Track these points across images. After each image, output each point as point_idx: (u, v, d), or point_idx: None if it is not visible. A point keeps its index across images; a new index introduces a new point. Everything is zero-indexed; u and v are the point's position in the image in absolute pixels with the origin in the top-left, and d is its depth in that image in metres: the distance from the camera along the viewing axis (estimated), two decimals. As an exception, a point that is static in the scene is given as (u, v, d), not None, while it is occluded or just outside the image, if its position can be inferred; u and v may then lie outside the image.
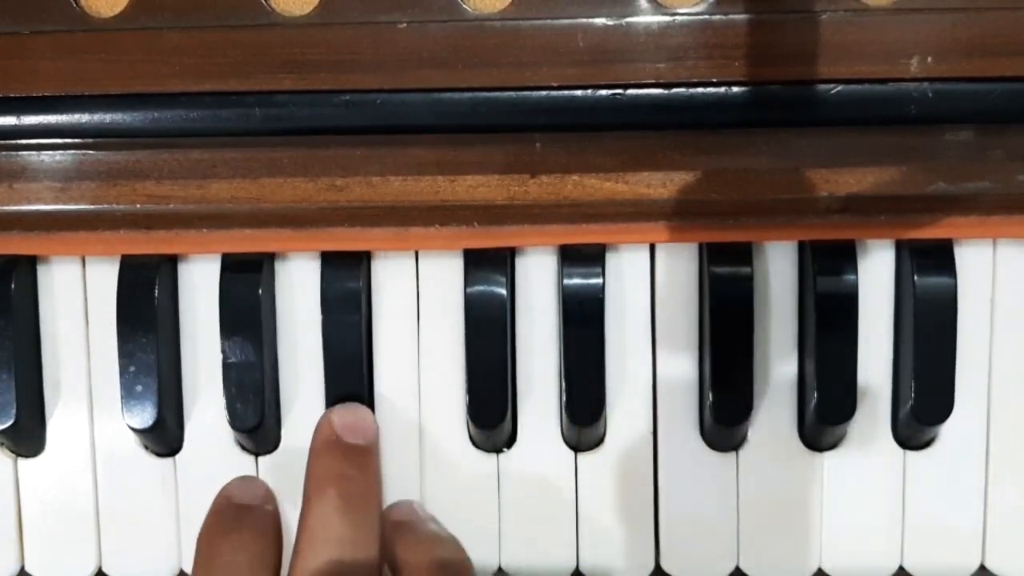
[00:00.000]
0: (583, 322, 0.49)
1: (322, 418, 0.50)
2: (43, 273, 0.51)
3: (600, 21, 0.47)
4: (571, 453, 0.51)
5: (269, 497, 0.50)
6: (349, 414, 0.49)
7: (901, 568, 0.51)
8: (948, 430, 0.50)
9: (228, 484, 0.50)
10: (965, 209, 0.48)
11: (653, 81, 0.47)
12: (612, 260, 0.50)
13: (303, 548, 0.46)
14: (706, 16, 0.47)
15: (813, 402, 0.49)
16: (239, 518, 0.48)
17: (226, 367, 0.50)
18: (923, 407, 0.49)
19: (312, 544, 0.46)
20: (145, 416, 0.50)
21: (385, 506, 0.51)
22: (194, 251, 0.50)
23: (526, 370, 0.51)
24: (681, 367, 0.51)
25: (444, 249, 0.50)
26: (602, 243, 0.50)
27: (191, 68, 0.48)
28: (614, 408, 0.51)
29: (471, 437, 0.51)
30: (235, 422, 0.50)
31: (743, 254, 0.49)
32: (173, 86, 0.48)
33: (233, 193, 0.48)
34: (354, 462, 0.48)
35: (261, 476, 0.52)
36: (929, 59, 0.46)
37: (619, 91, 0.47)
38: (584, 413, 0.49)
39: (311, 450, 0.49)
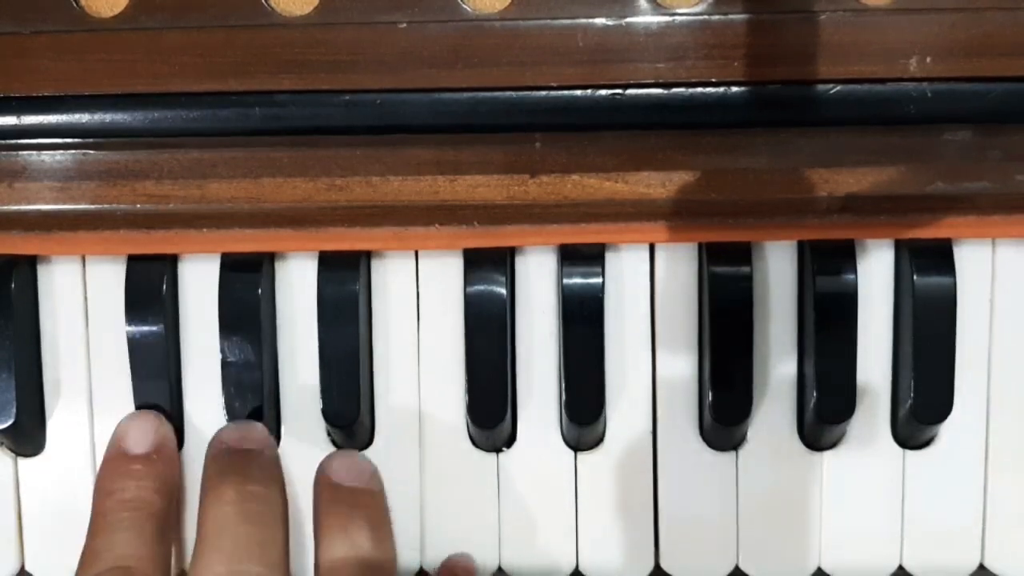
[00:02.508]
0: (583, 322, 0.49)
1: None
2: (43, 273, 0.51)
3: (600, 21, 0.47)
4: (571, 453, 0.51)
5: (163, 444, 0.50)
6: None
7: (900, 567, 0.51)
8: (947, 430, 0.50)
9: (119, 427, 0.50)
10: (964, 209, 0.48)
11: (653, 81, 0.47)
12: (612, 260, 0.50)
13: (200, 548, 0.46)
14: (706, 16, 0.47)
15: (812, 402, 0.49)
16: (127, 471, 0.48)
17: (225, 367, 0.50)
18: (922, 406, 0.49)
19: (208, 544, 0.46)
20: (145, 416, 0.50)
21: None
22: (194, 251, 0.50)
23: (526, 370, 0.51)
24: (681, 367, 0.51)
25: (444, 249, 0.50)
26: (602, 243, 0.50)
27: (191, 68, 0.48)
28: (614, 408, 0.51)
29: (471, 437, 0.51)
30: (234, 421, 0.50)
31: (743, 254, 0.49)
32: (173, 86, 0.48)
33: (233, 193, 0.48)
34: (245, 460, 0.48)
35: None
36: (928, 59, 0.47)
37: (619, 91, 0.47)
38: (584, 413, 0.49)
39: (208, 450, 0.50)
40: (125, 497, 0.47)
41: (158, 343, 0.50)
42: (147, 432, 0.49)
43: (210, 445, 0.50)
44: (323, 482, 0.49)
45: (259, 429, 0.50)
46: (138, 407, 0.51)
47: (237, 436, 0.49)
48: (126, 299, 0.50)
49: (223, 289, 0.50)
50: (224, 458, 0.49)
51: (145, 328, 0.50)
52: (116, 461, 0.49)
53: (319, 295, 0.50)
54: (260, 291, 0.50)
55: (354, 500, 0.49)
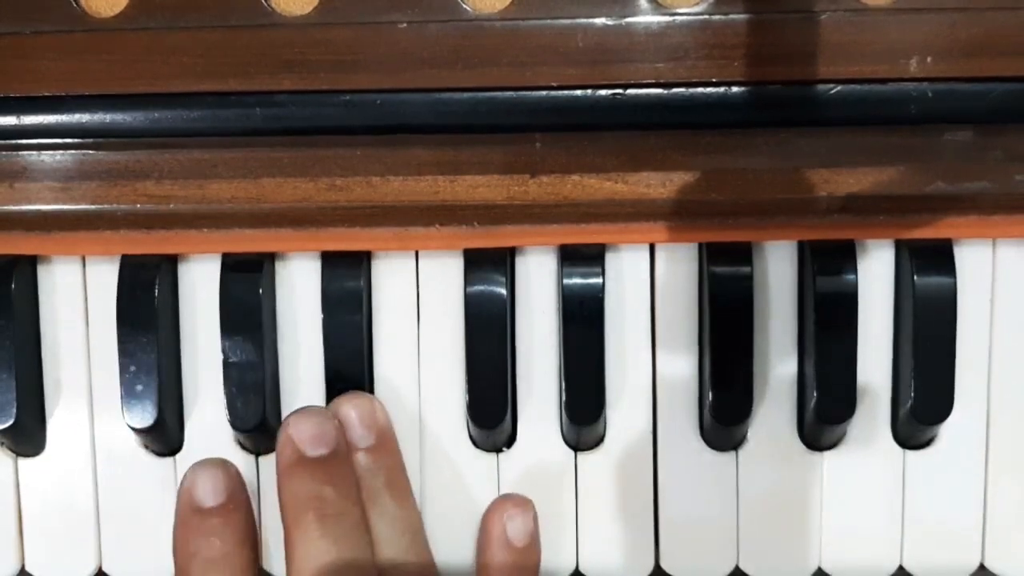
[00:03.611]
0: (583, 322, 0.49)
1: (281, 434, 0.48)
2: (43, 273, 0.51)
3: (600, 21, 0.47)
4: (571, 453, 0.51)
5: (234, 491, 0.48)
6: (306, 424, 0.47)
7: (901, 567, 0.51)
8: (948, 430, 0.50)
9: (187, 479, 0.48)
10: (964, 209, 0.48)
11: (653, 81, 0.47)
12: (612, 260, 0.50)
13: None
14: (706, 16, 0.47)
15: (813, 402, 0.49)
16: (206, 528, 0.47)
17: (226, 367, 0.50)
18: (923, 407, 0.49)
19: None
20: (145, 416, 0.50)
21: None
22: (194, 251, 0.50)
23: (526, 370, 0.51)
24: (681, 367, 0.51)
25: (444, 249, 0.50)
26: (602, 243, 0.50)
27: (191, 68, 0.48)
28: (614, 408, 0.51)
29: (471, 437, 0.51)
30: (235, 421, 0.50)
31: (743, 254, 0.49)
32: (173, 86, 0.48)
33: (233, 193, 0.48)
34: (324, 477, 0.46)
35: (262, 476, 0.52)
36: (929, 59, 0.47)
37: (619, 91, 0.47)
38: (584, 413, 0.49)
39: (278, 472, 0.47)
40: (211, 556, 0.46)
41: (150, 343, 0.50)
42: (218, 480, 0.48)
43: (281, 446, 0.47)
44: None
45: (327, 421, 0.48)
46: (134, 405, 0.50)
47: (309, 436, 0.47)
48: (118, 299, 0.50)
49: (224, 289, 0.50)
50: (301, 476, 0.46)
51: (139, 331, 0.50)
52: (192, 517, 0.47)
53: (321, 295, 0.50)
54: (261, 291, 0.50)
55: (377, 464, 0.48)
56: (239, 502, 0.48)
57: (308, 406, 0.49)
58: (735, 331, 0.49)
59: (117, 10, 0.48)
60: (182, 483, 0.48)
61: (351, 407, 0.49)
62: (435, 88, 0.47)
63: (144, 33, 0.47)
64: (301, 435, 0.47)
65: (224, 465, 0.49)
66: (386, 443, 0.49)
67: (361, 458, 0.48)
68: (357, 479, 0.48)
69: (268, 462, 0.52)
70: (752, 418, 0.50)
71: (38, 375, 0.52)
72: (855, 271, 0.49)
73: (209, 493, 0.48)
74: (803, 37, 0.46)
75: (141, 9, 0.47)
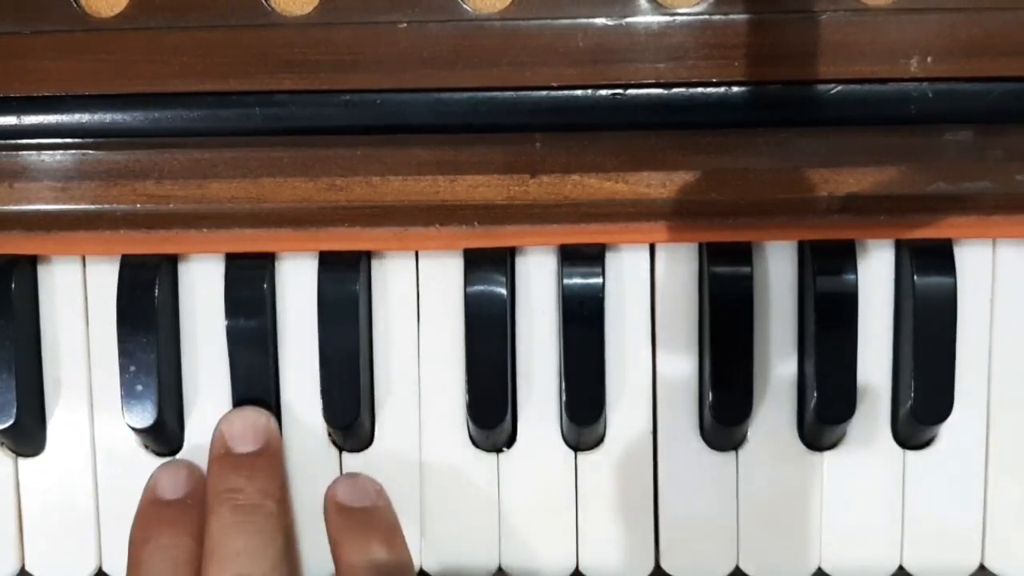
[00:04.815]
0: (583, 322, 0.49)
1: (215, 428, 0.50)
2: (43, 273, 0.51)
3: (600, 21, 0.47)
4: (571, 453, 0.51)
5: (194, 488, 0.50)
6: (238, 421, 0.50)
7: (901, 568, 0.51)
8: (948, 430, 0.50)
9: (152, 477, 0.50)
10: (965, 209, 0.48)
11: (653, 81, 0.47)
12: (612, 260, 0.50)
13: (206, 565, 0.47)
14: (706, 16, 0.47)
15: (813, 402, 0.49)
16: (161, 518, 0.49)
17: (233, 367, 0.50)
18: (923, 407, 0.49)
19: (212, 560, 0.47)
20: (145, 416, 0.50)
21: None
22: (194, 251, 0.50)
23: (526, 370, 0.51)
24: (681, 367, 0.51)
25: (444, 249, 0.50)
26: (602, 243, 0.50)
27: (191, 68, 0.48)
28: (614, 408, 0.51)
29: (471, 437, 0.51)
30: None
31: (743, 254, 0.49)
32: (173, 86, 0.48)
33: (233, 193, 0.48)
34: (244, 472, 0.49)
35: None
36: (929, 59, 0.47)
37: (619, 91, 0.47)
38: (584, 413, 0.49)
39: (208, 463, 0.50)
40: (161, 543, 0.48)
41: (150, 343, 0.50)
42: (180, 477, 0.50)
43: (213, 440, 0.50)
44: (333, 507, 0.50)
45: (261, 420, 0.50)
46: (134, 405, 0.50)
47: (239, 432, 0.50)
48: (118, 299, 0.50)
49: (229, 288, 0.50)
50: (224, 465, 0.49)
51: (139, 331, 0.50)
52: (150, 508, 0.49)
53: (319, 295, 0.50)
54: (264, 290, 0.50)
55: (366, 519, 0.49)
56: (197, 500, 0.50)
57: (245, 407, 0.51)
58: (735, 331, 0.49)
59: (117, 10, 0.48)
60: (147, 482, 0.50)
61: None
62: (435, 88, 0.47)
63: (144, 33, 0.47)
64: (230, 429, 0.50)
65: (188, 466, 0.51)
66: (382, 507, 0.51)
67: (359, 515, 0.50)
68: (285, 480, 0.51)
69: (268, 462, 0.52)
70: (752, 418, 0.50)
71: (38, 375, 0.52)
72: (855, 271, 0.49)
73: (169, 487, 0.50)
74: (803, 37, 0.46)
75: (141, 9, 0.47)
